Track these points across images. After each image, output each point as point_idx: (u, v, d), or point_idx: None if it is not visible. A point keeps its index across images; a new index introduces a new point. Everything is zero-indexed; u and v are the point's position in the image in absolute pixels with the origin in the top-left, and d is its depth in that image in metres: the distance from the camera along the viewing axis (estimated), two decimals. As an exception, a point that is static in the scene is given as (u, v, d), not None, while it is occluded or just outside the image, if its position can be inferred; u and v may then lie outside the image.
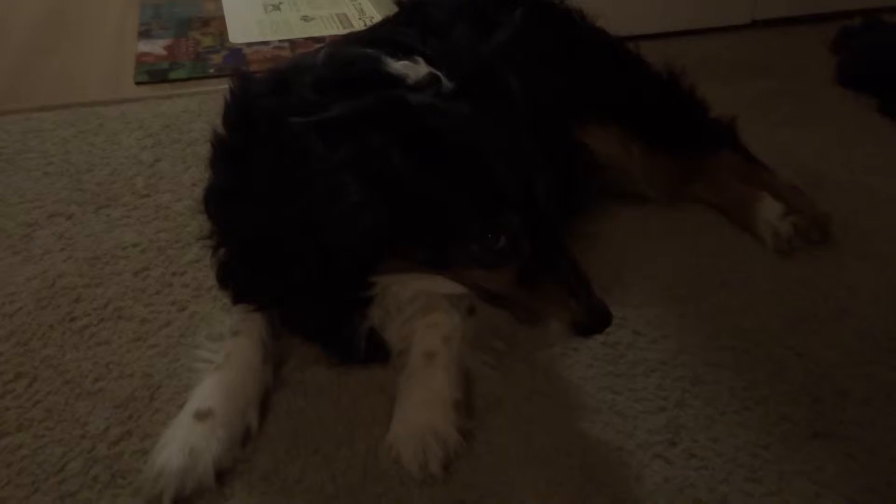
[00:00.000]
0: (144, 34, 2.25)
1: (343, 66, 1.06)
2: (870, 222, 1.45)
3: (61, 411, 1.07)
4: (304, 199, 0.95)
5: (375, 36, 1.34)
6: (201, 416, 1.00)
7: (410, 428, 1.00)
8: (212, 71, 2.04)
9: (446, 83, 1.02)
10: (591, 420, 1.07)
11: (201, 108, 1.84)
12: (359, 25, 2.27)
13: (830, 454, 1.02)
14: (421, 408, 1.02)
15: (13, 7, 2.50)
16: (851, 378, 1.13)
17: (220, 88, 1.20)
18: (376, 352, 1.12)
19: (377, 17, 2.21)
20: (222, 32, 2.27)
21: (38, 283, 1.30)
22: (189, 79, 2.01)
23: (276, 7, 2.47)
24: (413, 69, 1.05)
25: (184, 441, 0.96)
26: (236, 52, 2.15)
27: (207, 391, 1.03)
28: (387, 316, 1.10)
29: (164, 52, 2.13)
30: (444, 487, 0.97)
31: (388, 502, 0.96)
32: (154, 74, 2.01)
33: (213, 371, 1.06)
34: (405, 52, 1.13)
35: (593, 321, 0.98)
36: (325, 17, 2.38)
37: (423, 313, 1.12)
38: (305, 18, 2.36)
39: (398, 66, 1.05)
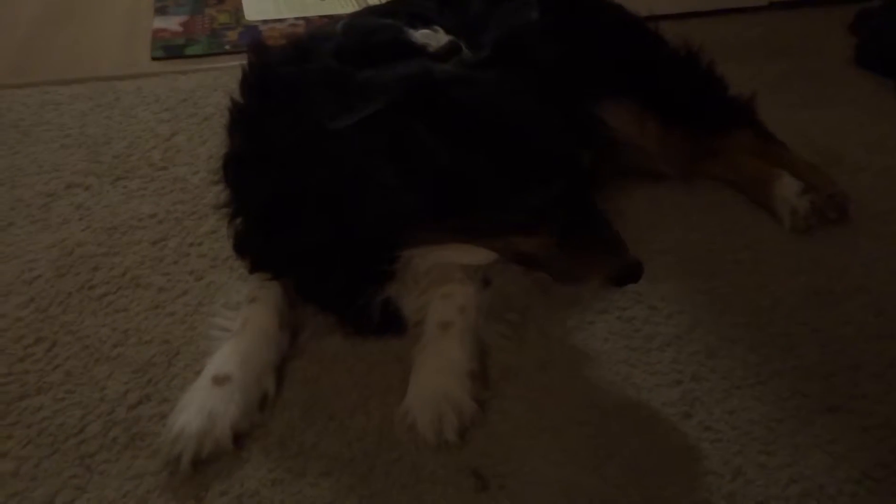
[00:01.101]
0: (160, 10, 2.25)
1: (364, 34, 1.06)
2: (887, 203, 1.44)
3: (80, 375, 1.09)
4: (329, 172, 0.96)
5: (394, 8, 1.34)
6: (219, 380, 1.01)
7: (426, 395, 1.00)
8: (227, 47, 2.04)
9: (467, 52, 1.02)
10: (606, 392, 1.07)
11: (217, 83, 1.84)
12: (375, 2, 2.26)
13: (844, 428, 1.02)
14: (436, 375, 1.02)
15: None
16: (865, 353, 1.13)
17: (236, 64, 1.19)
18: (391, 323, 1.12)
19: (393, -4, 2.20)
20: (238, 10, 2.27)
21: (57, 252, 1.31)
22: (205, 55, 2.01)
23: (292, -16, 2.47)
24: (434, 38, 1.05)
25: (202, 404, 0.98)
26: (252, 29, 2.15)
27: (225, 356, 1.04)
28: (403, 287, 1.11)
29: (180, 29, 2.14)
30: (458, 454, 0.98)
31: (403, 468, 0.96)
32: (170, 50, 2.02)
33: (231, 337, 1.07)
34: (424, 23, 1.13)
35: (630, 273, 1.01)
36: (339, -5, 2.38)
37: (438, 284, 1.12)
38: (321, -5, 2.35)
39: (418, 34, 1.06)
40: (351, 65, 0.99)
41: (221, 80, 1.85)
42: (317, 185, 0.98)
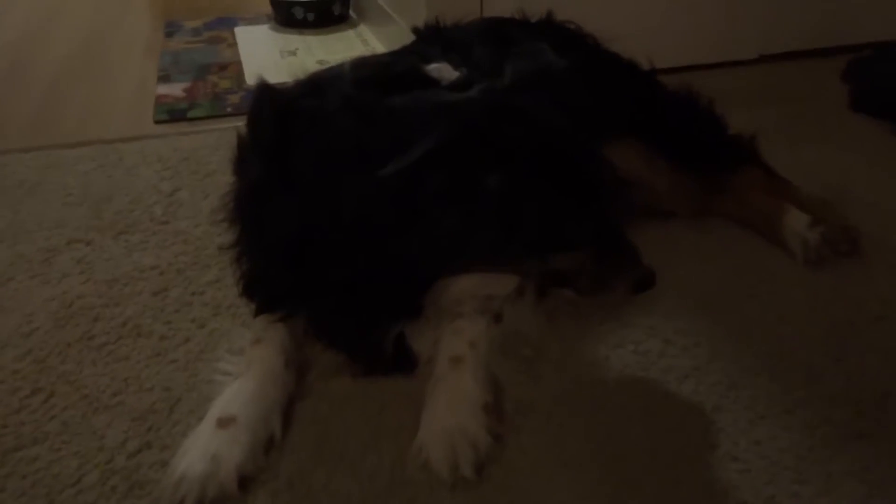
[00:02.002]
0: (163, 79, 2.29)
1: (379, 68, 1.07)
2: (897, 235, 1.43)
3: (78, 425, 1.04)
4: (374, 205, 0.95)
5: (398, 53, 1.36)
6: (223, 422, 0.96)
7: (439, 430, 0.96)
8: (229, 110, 2.06)
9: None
10: (626, 425, 1.03)
11: (219, 142, 1.85)
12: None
13: (878, 455, 0.98)
14: (449, 410, 0.98)
15: (36, 56, 2.57)
16: (892, 381, 1.09)
17: (239, 125, 1.20)
18: (402, 360, 1.09)
19: (391, 58, 2.24)
20: (239, 75, 2.31)
21: (57, 304, 1.28)
22: (207, 117, 2.03)
23: (293, 53, 2.52)
24: (446, 71, 1.06)
25: (206, 447, 0.93)
26: (253, 93, 2.18)
27: (230, 398, 1.00)
28: (417, 322, 1.08)
29: (183, 94, 2.17)
30: (475, 491, 0.93)
31: (418, 507, 0.91)
32: (173, 113, 2.04)
33: (236, 379, 1.03)
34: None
35: (649, 279, 1.05)
36: (340, 60, 2.42)
37: (449, 320, 1.10)
38: (321, 62, 2.40)
39: (431, 68, 1.07)
40: (370, 94, 1.00)
41: (224, 138, 1.85)
42: (357, 213, 0.96)
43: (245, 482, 0.93)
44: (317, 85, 1.12)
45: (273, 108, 1.10)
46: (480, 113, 0.97)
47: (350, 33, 2.72)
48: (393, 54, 1.36)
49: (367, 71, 1.11)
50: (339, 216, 0.98)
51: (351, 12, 2.88)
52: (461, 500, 0.92)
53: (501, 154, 0.96)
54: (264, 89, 1.14)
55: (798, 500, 0.92)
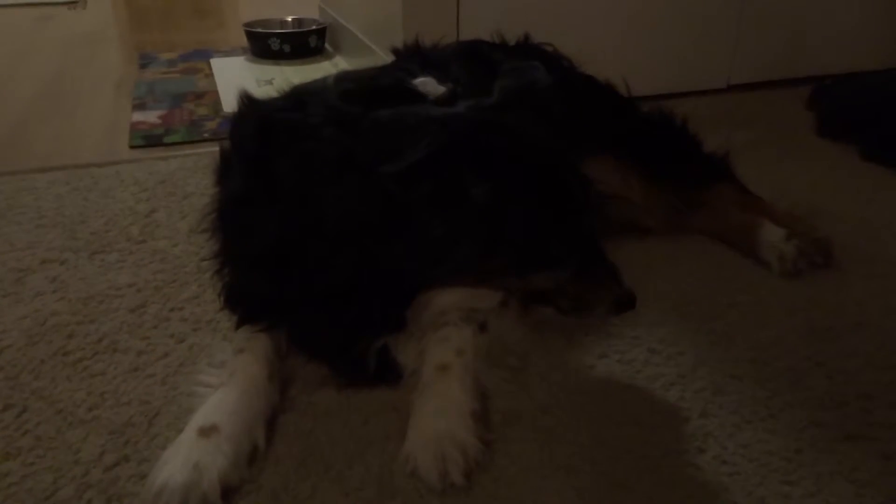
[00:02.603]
0: (139, 107, 2.29)
1: (364, 81, 1.08)
2: (870, 246, 1.46)
3: (52, 439, 1.01)
4: (358, 213, 0.95)
5: (383, 69, 1.37)
6: (205, 431, 0.94)
7: (427, 437, 0.94)
8: (206, 135, 2.06)
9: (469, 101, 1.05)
10: (614, 432, 1.02)
11: (197, 165, 1.85)
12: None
13: (865, 455, 0.98)
14: (437, 417, 0.97)
15: (3, 93, 2.54)
16: (874, 383, 1.10)
17: (216, 150, 1.21)
18: (387, 371, 1.08)
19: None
20: (216, 102, 2.31)
21: (30, 322, 1.25)
22: (184, 142, 2.02)
23: (269, 82, 2.54)
24: (431, 85, 1.08)
25: (187, 456, 0.90)
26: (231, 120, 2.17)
27: (212, 407, 0.97)
28: (400, 333, 1.07)
29: (159, 121, 2.16)
30: (465, 498, 0.91)
31: (407, 516, 0.89)
32: (149, 139, 2.03)
33: (218, 388, 1.01)
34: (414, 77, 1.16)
35: (629, 300, 1.06)
36: (316, 89, 2.44)
37: (434, 329, 1.09)
38: (297, 91, 2.41)
39: (417, 82, 1.08)
40: (356, 106, 1.00)
41: (202, 162, 1.86)
42: (340, 224, 0.96)
43: (228, 493, 0.90)
44: (300, 98, 1.12)
45: (256, 119, 1.10)
46: (468, 127, 0.98)
47: (326, 64, 2.75)
48: (377, 69, 1.37)
49: (351, 84, 1.12)
50: (322, 225, 0.97)
51: (326, 45, 2.91)
52: (451, 506, 0.90)
53: (488, 168, 0.96)
54: (247, 101, 1.14)
55: (788, 500, 0.91)
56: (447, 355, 1.05)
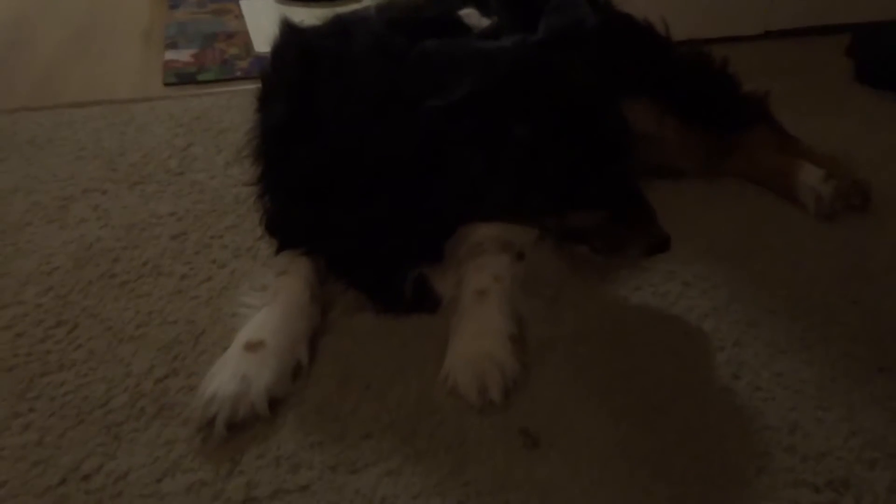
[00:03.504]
0: (171, 46, 2.29)
1: (410, 11, 1.08)
2: (906, 193, 1.45)
3: (103, 353, 1.05)
4: (404, 146, 0.97)
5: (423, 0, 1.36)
6: (252, 346, 0.97)
7: (467, 356, 0.97)
8: (239, 73, 2.06)
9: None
10: (649, 360, 1.04)
11: (231, 103, 1.85)
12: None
13: (899, 386, 0.99)
14: (476, 339, 0.99)
15: (35, 35, 2.54)
16: (909, 321, 1.11)
17: (249, 88, 1.22)
18: (424, 300, 1.10)
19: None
20: (247, 43, 2.31)
21: (76, 247, 1.28)
22: (217, 80, 2.03)
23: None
24: (475, 18, 1.07)
25: (236, 368, 0.94)
26: (262, 60, 2.17)
27: (258, 324, 1.00)
28: (438, 263, 1.08)
29: (192, 59, 2.16)
30: (504, 415, 0.94)
31: (447, 430, 0.92)
32: (182, 77, 2.04)
33: (262, 307, 1.03)
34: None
35: (664, 243, 1.06)
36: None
37: (472, 257, 1.10)
38: (328, 33, 2.40)
39: (462, 13, 1.07)
40: (402, 36, 1.00)
41: (235, 100, 1.86)
42: (383, 156, 0.97)
43: (274, 405, 0.94)
44: (343, 26, 1.12)
45: (298, 46, 1.11)
46: (513, 65, 0.98)
47: (356, 7, 2.72)
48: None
49: (396, 14, 1.12)
50: (364, 158, 0.98)
51: (357, -13, 2.88)
52: (489, 424, 0.93)
53: (531, 107, 0.97)
54: (289, 28, 1.14)
55: (822, 424, 0.93)
56: (485, 280, 1.06)
